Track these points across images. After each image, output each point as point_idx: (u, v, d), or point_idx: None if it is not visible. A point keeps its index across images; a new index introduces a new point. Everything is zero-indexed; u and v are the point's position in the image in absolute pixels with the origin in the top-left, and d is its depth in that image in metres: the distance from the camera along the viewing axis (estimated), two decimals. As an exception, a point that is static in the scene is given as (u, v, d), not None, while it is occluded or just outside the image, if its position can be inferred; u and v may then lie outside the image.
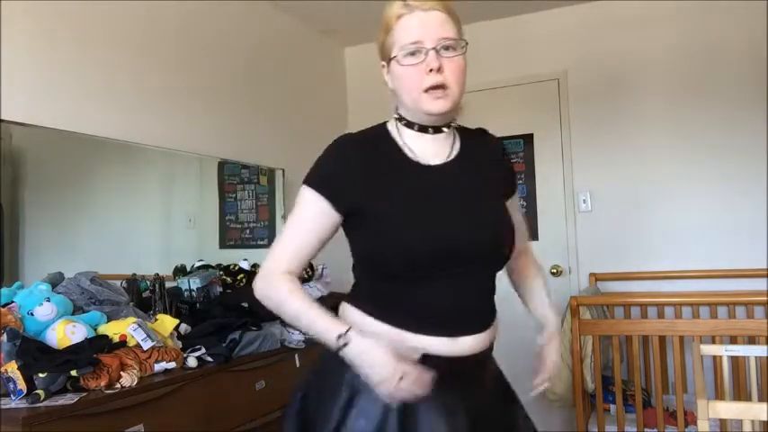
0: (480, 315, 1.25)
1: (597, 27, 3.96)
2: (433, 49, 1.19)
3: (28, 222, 2.39)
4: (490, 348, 1.31)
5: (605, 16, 3.95)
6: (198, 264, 3.02)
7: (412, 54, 1.20)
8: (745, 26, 3.60)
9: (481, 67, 4.30)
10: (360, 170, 1.25)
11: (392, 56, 1.23)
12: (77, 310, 2.18)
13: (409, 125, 1.29)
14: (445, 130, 1.29)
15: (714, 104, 3.66)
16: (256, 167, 3.61)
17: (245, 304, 2.68)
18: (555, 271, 4.06)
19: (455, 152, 1.31)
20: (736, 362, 2.81)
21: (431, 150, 1.29)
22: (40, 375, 1.78)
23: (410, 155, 1.28)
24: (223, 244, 3.37)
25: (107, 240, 2.73)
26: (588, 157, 3.97)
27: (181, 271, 2.97)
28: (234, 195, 3.48)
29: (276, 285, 1.25)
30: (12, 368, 1.78)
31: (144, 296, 2.62)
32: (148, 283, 2.64)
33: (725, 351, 2.37)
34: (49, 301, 2.05)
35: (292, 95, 4.11)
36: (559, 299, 3.93)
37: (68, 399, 1.78)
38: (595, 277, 3.86)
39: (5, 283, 2.22)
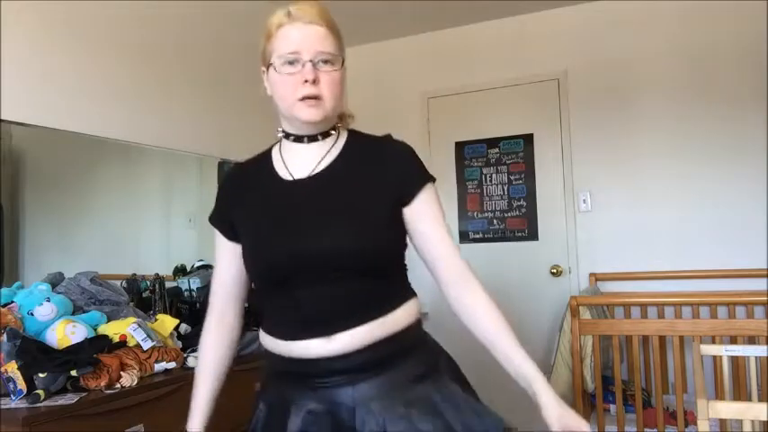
0: (343, 318, 1.20)
1: (597, 27, 3.97)
2: (310, 61, 1.21)
3: (28, 222, 2.39)
4: (383, 345, 1.21)
5: (605, 16, 3.95)
6: (198, 264, 3.02)
7: (290, 63, 1.22)
8: (745, 26, 3.60)
9: (481, 67, 4.31)
10: (234, 197, 1.37)
11: (270, 62, 1.25)
12: (77, 310, 2.18)
13: (287, 136, 1.32)
14: (320, 138, 1.30)
15: (714, 104, 3.66)
16: (256, 167, 3.61)
17: (245, 304, 2.67)
18: (555, 271, 4.06)
19: (325, 164, 1.29)
20: (736, 362, 2.81)
21: (300, 162, 1.30)
22: (40, 375, 1.78)
23: (280, 171, 1.32)
24: (223, 244, 3.35)
25: (107, 240, 2.73)
26: (588, 157, 3.97)
27: (181, 271, 2.97)
28: (234, 195, 3.47)
29: (203, 334, 1.42)
30: (12, 368, 1.78)
31: (144, 296, 2.62)
32: (148, 283, 2.65)
33: (725, 351, 2.37)
34: (49, 301, 2.05)
35: (292, 95, 4.10)
36: (559, 299, 3.93)
37: (68, 399, 1.78)
38: (595, 277, 3.86)
39: (5, 283, 2.22)
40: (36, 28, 2.46)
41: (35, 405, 1.71)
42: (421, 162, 1.31)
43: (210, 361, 1.39)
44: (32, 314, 2.00)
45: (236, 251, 1.35)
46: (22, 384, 1.77)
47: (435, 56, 4.45)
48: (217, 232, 1.41)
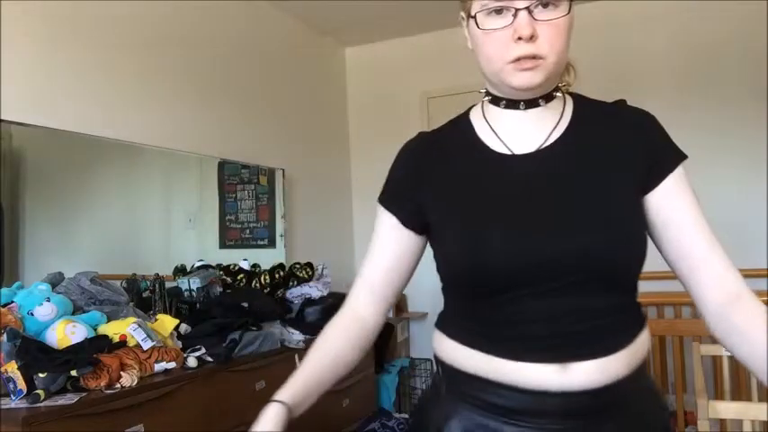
0: (591, 338, 0.91)
1: (597, 26, 3.96)
2: (526, 8, 0.89)
3: (28, 222, 2.39)
4: (628, 382, 0.92)
5: (605, 16, 3.95)
6: (198, 264, 3.02)
7: (497, 12, 0.91)
8: (745, 26, 3.60)
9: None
10: (422, 173, 1.04)
11: (471, 14, 0.94)
12: (77, 310, 2.18)
13: (495, 101, 1.02)
14: (542, 103, 0.98)
15: (713, 104, 3.66)
16: (256, 167, 3.62)
17: (245, 304, 2.68)
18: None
19: (557, 134, 0.98)
20: (736, 362, 2.80)
21: (522, 132, 0.99)
22: (40, 375, 1.78)
23: (490, 142, 1.00)
24: (223, 244, 3.37)
25: (107, 240, 2.74)
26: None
27: (181, 271, 2.97)
28: (234, 195, 3.48)
29: (331, 322, 1.09)
30: (12, 368, 1.78)
31: (144, 296, 2.62)
32: (148, 282, 2.65)
33: (725, 351, 2.37)
34: (48, 301, 2.05)
35: (292, 95, 4.11)
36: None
37: (68, 399, 1.78)
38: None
39: (5, 283, 2.22)
40: (36, 28, 2.46)
41: (35, 405, 1.72)
42: (668, 135, 1.02)
43: (329, 346, 1.05)
44: (32, 314, 2.01)
45: (411, 243, 1.06)
46: (22, 384, 1.77)
47: (435, 56, 4.45)
48: (384, 215, 1.07)
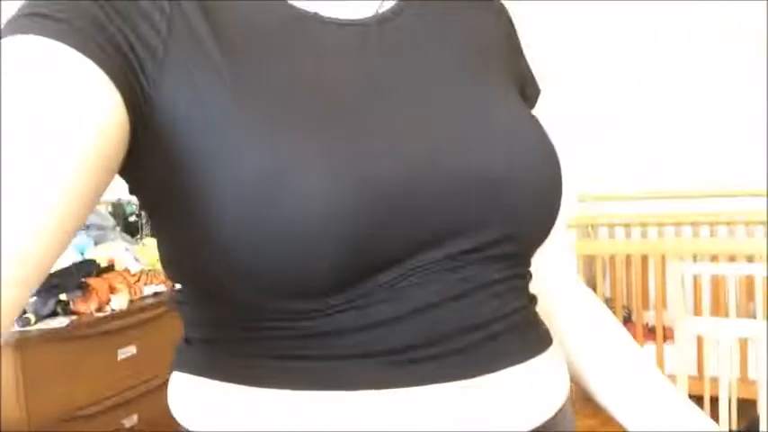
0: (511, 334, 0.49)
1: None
2: None
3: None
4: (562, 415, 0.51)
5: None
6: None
7: None
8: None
9: None
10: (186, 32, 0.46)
11: None
12: (63, 234, 2.17)
13: None
14: None
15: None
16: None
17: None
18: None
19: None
20: (717, 280, 2.88)
21: None
22: (30, 299, 1.79)
23: (304, 6, 0.51)
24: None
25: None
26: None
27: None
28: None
29: None
30: (1, 293, 1.79)
31: (130, 220, 2.61)
32: (134, 207, 2.63)
33: (704, 269, 2.42)
34: (34, 226, 2.03)
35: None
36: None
37: (60, 322, 1.80)
38: (580, 198, 3.88)
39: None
40: None
41: (26, 329, 1.73)
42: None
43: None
44: (18, 239, 2.00)
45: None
46: (12, 308, 1.78)
47: None
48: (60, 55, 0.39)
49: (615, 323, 0.63)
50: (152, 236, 2.58)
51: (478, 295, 0.47)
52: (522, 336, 0.50)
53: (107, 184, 0.42)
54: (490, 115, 0.51)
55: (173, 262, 0.50)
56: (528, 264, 0.54)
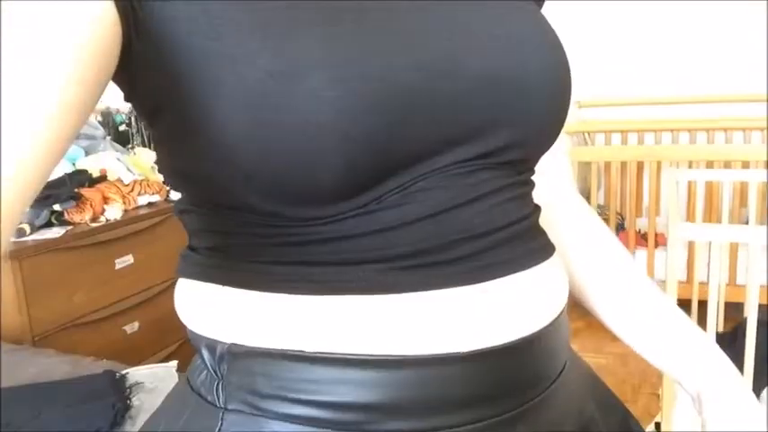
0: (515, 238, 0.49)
1: None
2: None
3: None
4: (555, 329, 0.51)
5: None
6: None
7: None
8: None
9: None
10: None
11: None
12: (53, 144, 2.13)
13: None
14: None
15: None
16: None
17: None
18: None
19: None
20: (711, 187, 2.88)
21: None
22: (24, 210, 1.78)
23: None
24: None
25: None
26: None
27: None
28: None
29: None
30: (-7, 204, 1.78)
31: (120, 130, 2.57)
32: (124, 116, 2.58)
33: (699, 175, 2.42)
34: (22, 135, 2.00)
35: None
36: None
37: (55, 232, 1.80)
38: (579, 104, 3.83)
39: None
40: None
41: (21, 239, 1.73)
42: None
43: None
44: (7, 149, 1.97)
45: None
46: (6, 219, 1.77)
47: None
48: None
49: (608, 234, 0.66)
50: (151, 145, 2.55)
51: (487, 201, 0.47)
52: (527, 243, 0.50)
53: (102, 84, 0.40)
54: (506, 17, 0.50)
55: (176, 170, 0.48)
56: (533, 171, 0.53)
